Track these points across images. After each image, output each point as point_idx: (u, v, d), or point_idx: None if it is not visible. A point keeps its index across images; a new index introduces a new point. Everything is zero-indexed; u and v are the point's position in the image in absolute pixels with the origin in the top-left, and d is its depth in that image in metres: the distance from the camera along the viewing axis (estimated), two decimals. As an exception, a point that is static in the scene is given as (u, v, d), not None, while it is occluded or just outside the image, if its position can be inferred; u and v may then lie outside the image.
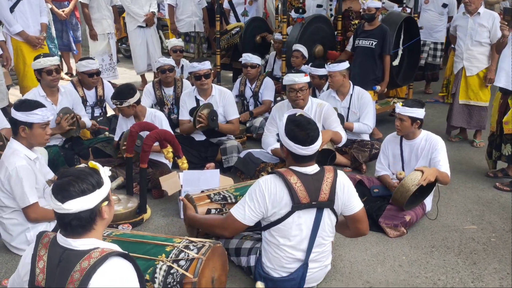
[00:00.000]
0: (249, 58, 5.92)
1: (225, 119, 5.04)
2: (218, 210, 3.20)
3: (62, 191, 1.86)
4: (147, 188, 4.05)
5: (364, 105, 5.16)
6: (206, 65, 4.90)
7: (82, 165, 2.00)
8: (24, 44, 5.52)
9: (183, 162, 3.93)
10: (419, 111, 3.87)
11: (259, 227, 2.95)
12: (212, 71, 5.20)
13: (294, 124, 2.76)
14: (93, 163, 2.00)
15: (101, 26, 7.59)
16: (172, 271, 2.40)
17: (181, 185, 3.93)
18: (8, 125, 3.83)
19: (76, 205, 1.85)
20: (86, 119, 5.08)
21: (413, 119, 3.88)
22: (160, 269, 2.41)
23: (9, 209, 3.24)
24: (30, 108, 3.16)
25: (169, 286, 2.38)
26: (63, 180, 1.89)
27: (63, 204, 1.84)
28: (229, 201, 3.24)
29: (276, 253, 2.82)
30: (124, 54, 10.71)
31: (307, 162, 2.77)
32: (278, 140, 4.23)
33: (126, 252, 1.95)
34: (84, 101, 5.32)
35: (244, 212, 2.77)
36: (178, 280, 2.38)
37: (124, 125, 4.60)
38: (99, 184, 1.92)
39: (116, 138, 4.68)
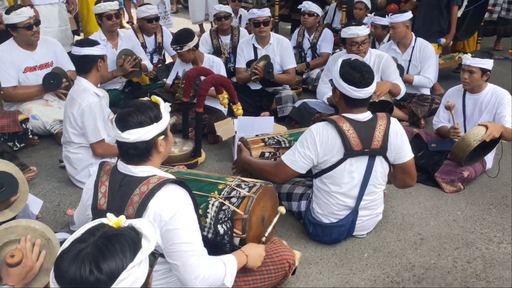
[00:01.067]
0: (307, 5, 5.80)
1: (282, 68, 4.99)
2: (272, 153, 3.22)
3: (122, 121, 1.95)
4: (203, 134, 4.13)
5: (426, 58, 4.94)
6: (266, 12, 4.84)
7: (145, 98, 2.08)
8: (88, -10, 5.67)
9: (238, 108, 3.96)
10: (489, 62, 3.67)
11: (310, 174, 2.96)
12: (271, 18, 5.13)
13: (349, 66, 2.70)
14: (155, 98, 2.06)
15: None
16: (223, 207, 2.46)
17: (235, 131, 3.97)
18: (73, 68, 3.98)
19: (134, 135, 1.92)
20: (148, 62, 5.19)
21: (484, 71, 3.68)
22: (213, 205, 2.48)
23: (76, 144, 3.43)
24: (93, 44, 3.29)
25: (220, 221, 2.44)
26: (125, 110, 1.98)
27: (122, 133, 1.93)
28: (283, 145, 3.25)
29: (327, 200, 2.82)
30: (183, 4, 10.73)
31: (359, 107, 2.72)
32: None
33: (182, 180, 2.03)
34: (144, 47, 5.42)
35: (295, 158, 2.77)
36: (229, 216, 2.43)
37: (180, 70, 4.66)
38: (157, 118, 1.98)
39: (169, 82, 4.76)
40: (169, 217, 1.90)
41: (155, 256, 1.33)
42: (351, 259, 2.85)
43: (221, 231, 2.44)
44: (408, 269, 2.76)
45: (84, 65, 3.34)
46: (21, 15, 4.14)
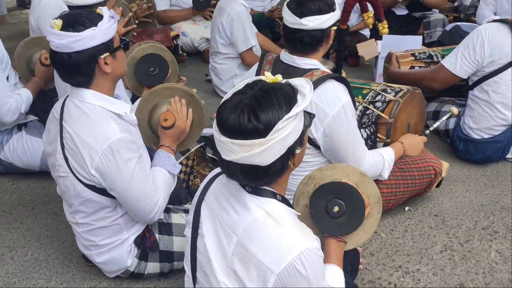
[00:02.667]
0: None
1: (432, -9, 4.62)
2: (422, 68, 3.05)
3: (301, 6, 1.91)
4: (344, 56, 4.04)
5: None
6: None
7: None
8: None
9: (383, 26, 3.75)
10: None
11: (464, 89, 2.76)
12: None
13: None
14: None
15: None
16: (367, 112, 2.40)
17: (379, 52, 3.81)
18: None
19: (313, 22, 1.91)
20: None
21: None
22: (356, 109, 2.43)
23: (223, 55, 3.58)
24: None
25: (363, 125, 2.40)
26: None
27: (301, 19, 1.91)
28: (435, 59, 3.05)
29: (484, 111, 2.62)
30: None
31: None
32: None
33: (344, 77, 2.01)
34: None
35: (456, 61, 2.62)
36: (373, 120, 2.37)
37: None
38: (333, 7, 1.96)
39: None
40: (334, 112, 1.91)
41: (310, 116, 1.34)
42: (502, 181, 2.63)
43: (364, 135, 2.40)
44: None
45: None
46: None
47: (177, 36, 4.35)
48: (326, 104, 1.91)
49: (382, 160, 2.13)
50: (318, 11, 1.90)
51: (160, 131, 2.03)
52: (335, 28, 1.99)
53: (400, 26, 4.71)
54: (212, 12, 4.36)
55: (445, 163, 2.46)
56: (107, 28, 1.70)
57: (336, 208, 1.58)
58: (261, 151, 1.20)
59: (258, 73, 2.13)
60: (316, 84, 1.91)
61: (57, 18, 1.69)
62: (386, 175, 2.14)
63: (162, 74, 2.49)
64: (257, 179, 1.28)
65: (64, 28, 1.65)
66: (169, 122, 1.97)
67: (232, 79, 3.62)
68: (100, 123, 1.71)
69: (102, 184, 1.74)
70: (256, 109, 1.20)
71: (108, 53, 1.72)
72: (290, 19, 1.93)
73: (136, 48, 2.52)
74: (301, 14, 1.90)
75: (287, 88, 1.27)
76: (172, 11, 4.55)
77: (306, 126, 1.32)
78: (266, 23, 4.69)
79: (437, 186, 2.45)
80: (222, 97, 3.53)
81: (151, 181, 1.81)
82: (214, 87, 3.79)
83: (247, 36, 3.42)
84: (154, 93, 2.08)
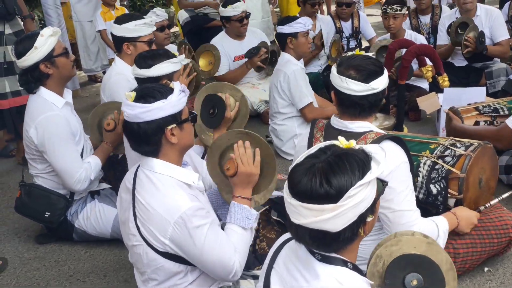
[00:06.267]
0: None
1: (492, 41, 4.54)
2: (488, 122, 2.95)
3: (361, 71, 1.95)
4: (404, 111, 4.00)
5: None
6: (471, -19, 4.47)
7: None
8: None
9: (444, 79, 3.70)
10: None
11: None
12: (478, -11, 4.71)
13: None
14: (358, 51, 2.07)
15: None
16: (436, 166, 2.33)
17: (441, 105, 3.74)
18: None
19: (381, 83, 1.96)
20: None
21: None
22: (424, 164, 2.37)
23: (283, 115, 3.67)
24: (293, 19, 3.50)
25: (433, 180, 2.32)
26: (353, 61, 1.99)
27: (369, 84, 1.93)
28: (501, 113, 2.96)
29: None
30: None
31: None
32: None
33: (400, 136, 1.98)
34: (340, 32, 5.48)
35: None
36: (443, 175, 2.30)
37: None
38: (382, 69, 1.99)
39: None
40: (387, 173, 1.86)
41: (383, 183, 1.32)
42: None
43: (434, 191, 2.32)
44: None
45: (281, 42, 3.64)
46: (236, 9, 4.56)
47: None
48: None
49: (436, 229, 1.98)
50: (375, 74, 1.94)
51: (231, 182, 2.01)
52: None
53: (461, 78, 4.62)
54: (262, 59, 4.52)
55: (524, 219, 2.31)
56: (176, 100, 1.79)
57: (414, 282, 1.51)
58: (331, 217, 1.19)
59: (310, 141, 2.14)
60: None
61: (132, 91, 1.81)
62: (441, 246, 1.91)
63: (221, 112, 2.51)
64: (325, 245, 1.26)
65: (137, 99, 1.77)
66: (231, 171, 1.94)
67: (292, 139, 3.66)
68: (171, 193, 1.76)
69: (179, 253, 1.77)
70: (328, 174, 1.20)
71: (175, 125, 1.79)
72: (356, 87, 1.93)
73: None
74: (367, 79, 1.92)
75: (361, 154, 1.27)
76: (229, 73, 4.75)
77: (379, 193, 1.30)
78: (322, 82, 4.76)
79: (518, 244, 2.30)
80: (284, 158, 3.68)
81: (225, 243, 1.80)
82: (275, 148, 3.83)
83: (304, 93, 3.52)
84: (214, 147, 2.08)
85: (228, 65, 4.75)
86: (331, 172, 1.21)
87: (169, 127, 1.79)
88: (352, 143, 1.32)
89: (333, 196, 1.19)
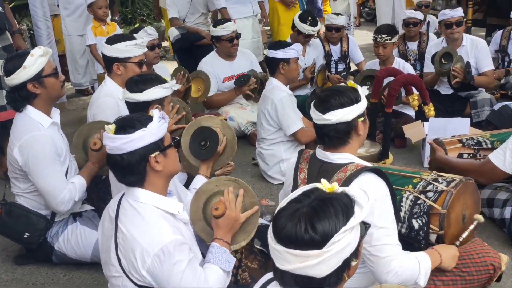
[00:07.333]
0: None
1: (477, 71, 4.63)
2: (471, 155, 2.99)
3: (323, 103, 1.98)
4: (390, 138, 4.04)
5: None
6: (459, 12, 4.56)
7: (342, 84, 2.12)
8: (280, 4, 5.99)
9: (430, 108, 3.76)
10: None
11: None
12: (464, 19, 4.80)
13: None
14: (351, 83, 2.09)
15: (342, -14, 7.80)
16: (419, 201, 2.35)
17: (426, 134, 3.79)
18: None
19: (336, 115, 1.95)
20: None
21: None
22: (407, 198, 2.38)
23: (269, 141, 3.66)
24: (286, 45, 3.48)
25: (415, 216, 2.33)
26: (324, 93, 2.03)
27: (324, 115, 1.96)
28: (484, 146, 2.99)
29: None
30: (366, 18, 10.71)
31: None
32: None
33: (379, 168, 2.00)
34: (329, 55, 5.53)
35: (505, 158, 2.54)
36: (425, 210, 2.31)
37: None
38: (357, 99, 2.00)
39: None
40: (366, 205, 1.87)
41: (366, 226, 1.33)
42: None
43: (416, 226, 2.33)
44: None
45: (272, 66, 3.63)
46: (226, 29, 4.58)
47: (225, 120, 4.49)
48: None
49: (418, 266, 1.95)
50: (340, 105, 1.95)
51: (213, 223, 2.05)
52: (362, 119, 2.01)
53: (446, 106, 4.69)
54: (251, 89, 4.53)
55: (504, 256, 2.32)
56: (157, 128, 1.80)
57: None
58: (316, 263, 1.19)
59: (296, 171, 2.15)
60: (351, 178, 1.91)
61: (112, 123, 1.81)
62: (422, 283, 1.95)
63: (214, 146, 2.57)
64: None
65: (117, 131, 1.77)
66: (220, 211, 1.99)
67: (278, 164, 3.66)
68: (154, 224, 1.75)
69: (154, 285, 1.75)
70: (313, 219, 1.21)
71: (158, 152, 1.80)
72: (315, 116, 2.00)
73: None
74: (324, 110, 1.95)
75: (345, 198, 1.28)
76: (217, 95, 4.75)
77: (362, 236, 1.30)
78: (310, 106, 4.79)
79: (497, 280, 2.31)
80: (269, 182, 3.68)
81: (203, 281, 1.80)
82: (261, 172, 3.83)
83: (293, 120, 3.54)
84: (201, 192, 2.15)
85: (217, 86, 4.75)
86: (316, 217, 1.21)
87: (153, 155, 1.79)
88: (335, 186, 1.32)
89: (318, 242, 1.20)
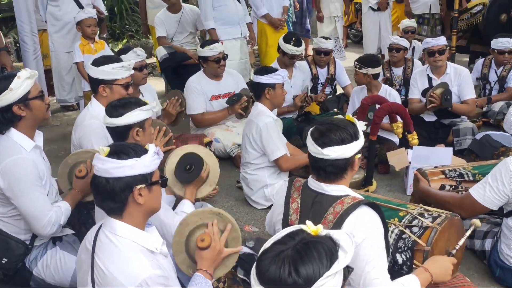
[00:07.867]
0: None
1: (460, 99, 4.70)
2: (453, 187, 3.01)
3: (323, 137, 1.96)
4: (374, 164, 4.06)
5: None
6: (441, 41, 4.65)
7: (339, 116, 2.12)
8: (268, 26, 6.04)
9: (413, 137, 3.81)
10: None
11: (499, 212, 2.69)
12: (447, 47, 4.89)
13: None
14: (349, 116, 2.09)
15: (328, 9, 7.91)
16: (404, 236, 2.36)
17: (409, 162, 3.83)
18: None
19: (336, 152, 1.94)
20: None
21: None
22: (392, 232, 2.39)
23: (254, 166, 3.66)
24: (272, 71, 3.52)
25: (399, 250, 2.34)
26: (324, 126, 2.00)
27: (323, 150, 1.95)
28: (466, 178, 3.02)
29: (520, 241, 2.53)
30: (353, 40, 10.84)
31: None
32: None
33: (375, 202, 2.01)
34: (316, 78, 5.58)
35: (484, 193, 2.55)
36: (409, 246, 2.32)
37: (356, 98, 4.66)
38: (356, 135, 1.99)
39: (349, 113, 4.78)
40: (361, 239, 1.88)
41: (349, 270, 1.33)
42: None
43: (400, 260, 2.34)
44: None
45: (257, 91, 3.65)
46: (213, 50, 4.59)
47: (211, 142, 4.49)
48: (354, 230, 1.88)
49: None
50: (340, 142, 1.94)
51: (197, 255, 2.03)
52: (359, 156, 2.02)
53: (430, 133, 4.76)
54: (242, 107, 4.55)
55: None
56: (149, 161, 1.80)
57: None
58: None
59: (287, 200, 2.14)
60: (348, 211, 1.92)
61: (107, 146, 1.81)
62: None
63: (198, 168, 2.63)
64: None
65: (110, 155, 1.77)
66: (206, 243, 1.99)
67: (262, 189, 3.65)
68: (132, 259, 1.73)
69: None
70: (297, 263, 1.21)
71: (144, 185, 1.79)
72: (312, 148, 1.98)
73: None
74: (323, 145, 1.94)
75: (329, 243, 1.28)
76: (209, 114, 4.74)
77: (344, 280, 1.30)
78: (296, 128, 4.81)
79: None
80: (253, 207, 3.66)
81: None
82: (245, 196, 3.82)
83: (277, 146, 3.54)
84: (184, 224, 2.13)
85: (205, 103, 4.74)
86: (300, 260, 1.21)
87: (138, 187, 1.78)
88: (320, 229, 1.32)
89: (301, 286, 1.19)
